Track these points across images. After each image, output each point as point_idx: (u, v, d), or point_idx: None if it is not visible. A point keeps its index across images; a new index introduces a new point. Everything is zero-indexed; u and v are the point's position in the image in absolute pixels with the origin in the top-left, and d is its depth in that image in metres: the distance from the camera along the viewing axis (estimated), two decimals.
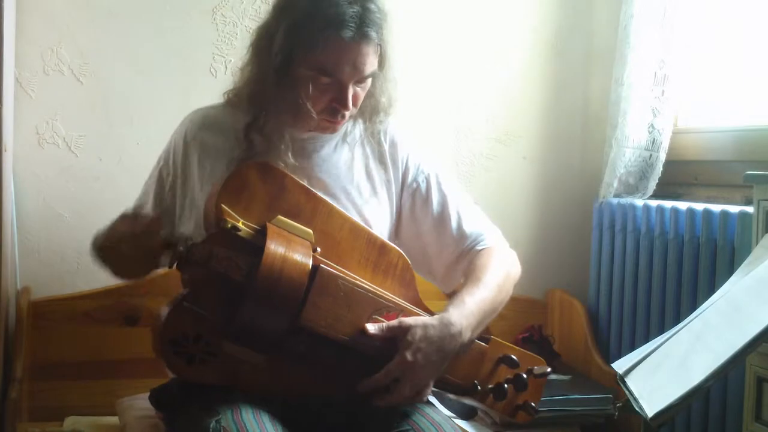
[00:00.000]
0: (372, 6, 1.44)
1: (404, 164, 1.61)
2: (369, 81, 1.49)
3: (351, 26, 1.40)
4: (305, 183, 1.47)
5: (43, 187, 2.04)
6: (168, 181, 1.57)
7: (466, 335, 1.42)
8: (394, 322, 1.39)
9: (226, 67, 2.13)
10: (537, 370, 1.51)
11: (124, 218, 1.42)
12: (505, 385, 1.49)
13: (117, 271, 1.52)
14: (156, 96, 2.08)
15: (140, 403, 1.73)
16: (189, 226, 1.53)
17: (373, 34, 1.43)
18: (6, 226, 1.78)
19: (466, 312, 1.43)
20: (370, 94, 1.53)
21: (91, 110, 2.06)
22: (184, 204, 1.56)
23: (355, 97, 1.48)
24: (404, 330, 1.38)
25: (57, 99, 2.04)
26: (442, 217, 1.59)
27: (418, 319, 1.40)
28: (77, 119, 2.05)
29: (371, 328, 1.38)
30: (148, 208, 1.57)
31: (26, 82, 2.02)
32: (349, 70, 1.43)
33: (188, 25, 2.12)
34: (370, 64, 1.45)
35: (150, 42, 2.09)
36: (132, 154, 2.07)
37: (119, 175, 2.05)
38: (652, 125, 2.15)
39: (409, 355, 1.36)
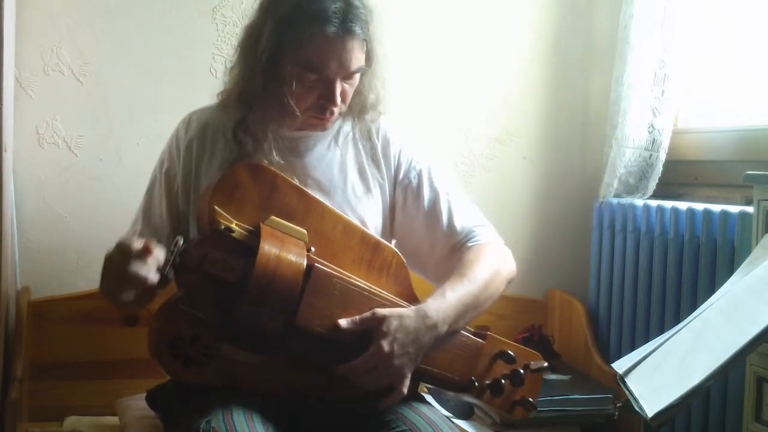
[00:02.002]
0: (356, 2, 1.44)
1: (396, 160, 1.60)
2: (357, 77, 1.49)
3: (335, 21, 1.41)
4: (297, 182, 1.46)
5: (43, 187, 2.04)
6: (177, 181, 1.55)
7: (443, 328, 1.41)
8: (367, 314, 1.38)
9: (226, 67, 2.11)
10: (534, 365, 1.50)
11: (111, 257, 1.30)
12: (502, 381, 1.48)
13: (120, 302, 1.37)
14: (156, 96, 2.08)
15: (140, 403, 1.72)
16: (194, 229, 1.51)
17: (357, 29, 1.43)
18: (6, 226, 1.77)
19: (444, 305, 1.42)
20: (358, 92, 1.53)
21: (91, 110, 2.06)
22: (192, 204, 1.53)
23: (344, 93, 1.47)
24: (379, 320, 1.37)
25: (57, 99, 2.04)
26: (434, 212, 1.58)
27: (393, 310, 1.39)
28: (77, 119, 2.05)
29: (344, 322, 1.37)
30: (156, 219, 1.54)
31: (26, 82, 2.01)
32: (334, 65, 1.43)
33: (188, 25, 2.11)
34: (356, 59, 1.45)
35: (150, 42, 2.08)
36: (132, 154, 2.07)
37: (119, 175, 2.05)
38: (652, 125, 2.14)
39: (385, 345, 1.35)
